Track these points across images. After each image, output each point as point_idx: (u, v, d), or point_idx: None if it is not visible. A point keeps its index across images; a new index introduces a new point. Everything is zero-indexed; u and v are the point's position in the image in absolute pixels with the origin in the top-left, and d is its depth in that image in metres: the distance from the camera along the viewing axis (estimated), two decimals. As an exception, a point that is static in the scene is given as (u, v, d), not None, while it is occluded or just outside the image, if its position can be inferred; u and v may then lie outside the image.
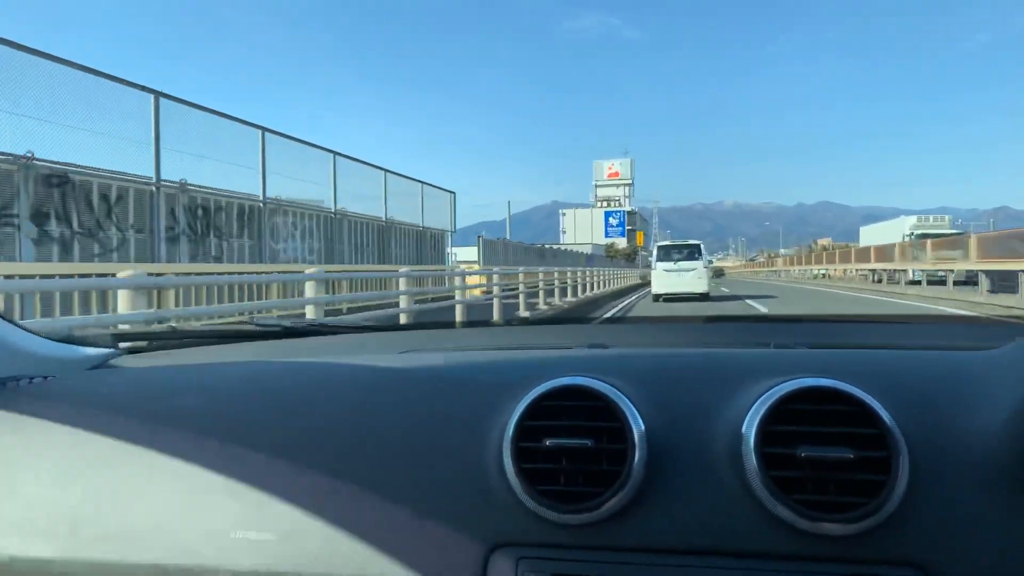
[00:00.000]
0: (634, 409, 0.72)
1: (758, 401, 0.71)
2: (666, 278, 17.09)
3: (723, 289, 27.09)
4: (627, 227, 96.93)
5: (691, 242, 18.09)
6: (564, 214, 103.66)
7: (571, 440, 0.70)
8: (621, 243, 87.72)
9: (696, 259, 17.15)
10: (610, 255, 66.14)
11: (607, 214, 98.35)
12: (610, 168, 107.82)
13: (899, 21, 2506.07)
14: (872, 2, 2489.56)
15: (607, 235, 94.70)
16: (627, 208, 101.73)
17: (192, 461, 0.78)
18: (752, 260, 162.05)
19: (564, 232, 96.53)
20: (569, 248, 41.15)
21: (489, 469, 0.72)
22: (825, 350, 0.95)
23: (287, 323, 1.40)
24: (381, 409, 0.82)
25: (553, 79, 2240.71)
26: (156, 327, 2.18)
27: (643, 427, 0.71)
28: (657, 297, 17.34)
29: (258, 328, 1.42)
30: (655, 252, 18.08)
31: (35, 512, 0.78)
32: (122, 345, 1.23)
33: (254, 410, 0.84)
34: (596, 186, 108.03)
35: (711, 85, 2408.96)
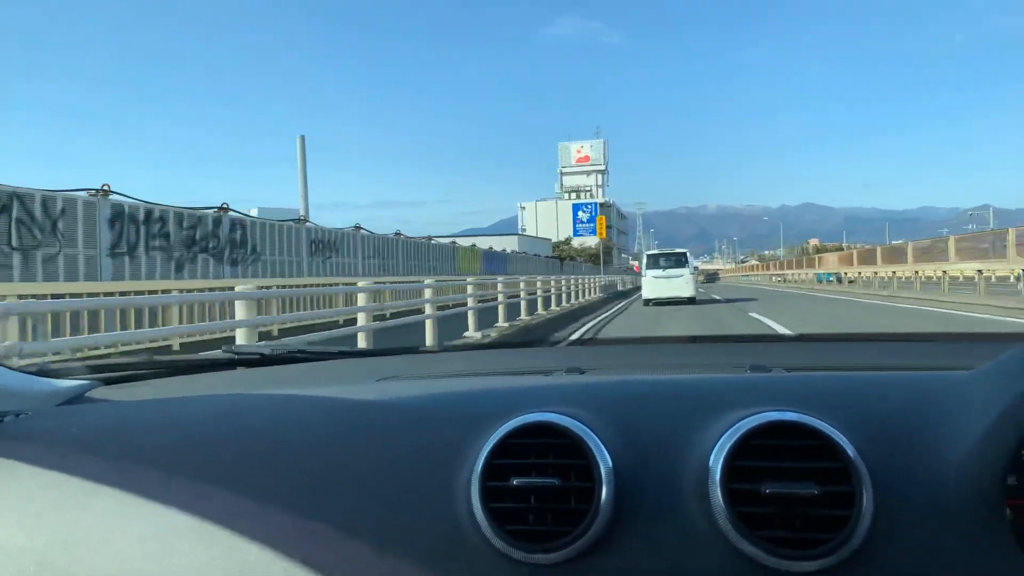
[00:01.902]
0: (601, 445, 0.72)
1: (725, 435, 0.71)
2: (655, 284, 18.61)
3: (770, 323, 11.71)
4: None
5: (678, 251, 19.78)
6: (523, 208, 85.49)
7: (538, 479, 0.71)
8: (591, 242, 69.99)
9: (683, 266, 18.72)
10: (564, 255, 48.77)
11: (576, 207, 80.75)
12: (579, 151, 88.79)
13: (879, 24, 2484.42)
14: (853, 6, 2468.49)
15: (576, 232, 77.33)
16: (599, 199, 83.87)
17: (162, 502, 0.76)
18: (743, 263, 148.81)
19: (523, 230, 78.86)
20: (453, 241, 22.99)
21: (459, 508, 0.72)
22: (801, 373, 0.96)
23: (266, 350, 1.42)
24: (354, 444, 0.81)
25: (536, 85, 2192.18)
26: (132, 357, 1.88)
27: (610, 464, 0.71)
28: (647, 302, 18.70)
29: (237, 356, 1.43)
30: (644, 260, 20.07)
31: (1, 558, 0.76)
32: (97, 376, 1.21)
33: (227, 447, 0.83)
34: (562, 173, 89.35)
35: (693, 89, 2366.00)
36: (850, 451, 0.67)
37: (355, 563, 0.69)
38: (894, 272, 21.73)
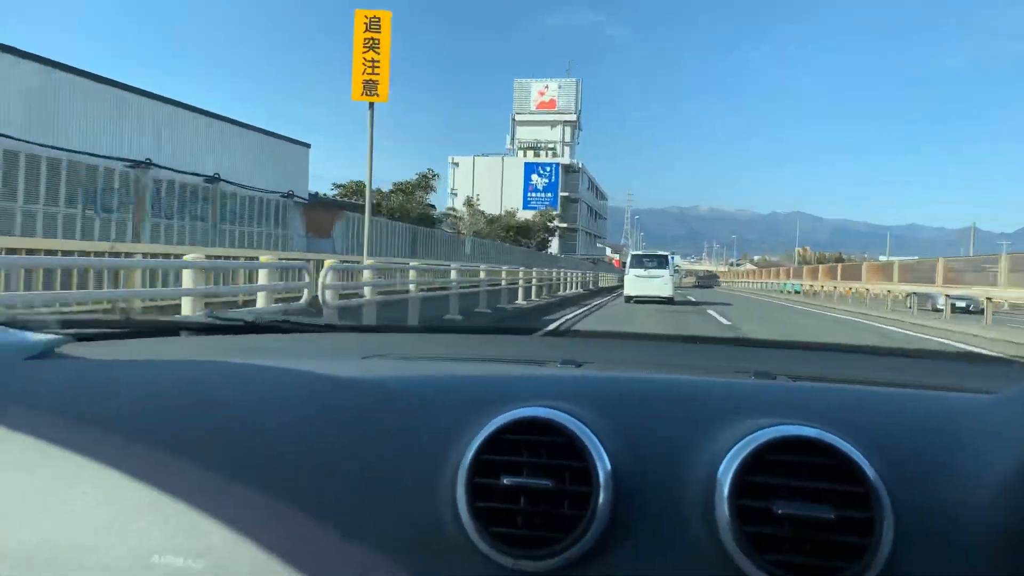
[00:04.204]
0: (600, 447, 0.67)
1: (736, 446, 0.66)
2: (637, 283, 19.76)
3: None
4: (560, 193, 57.50)
5: (660, 252, 21.33)
6: (456, 164, 61.95)
7: (531, 480, 0.66)
8: (530, 216, 47.65)
9: (664, 268, 19.98)
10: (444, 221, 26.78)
11: (528, 168, 58.28)
12: (541, 93, 63.77)
13: (878, 43, 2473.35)
14: (853, 20, 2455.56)
15: (527, 203, 55.25)
16: (562, 160, 60.03)
17: (120, 472, 0.70)
18: (737, 265, 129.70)
19: (455, 194, 56.59)
20: None
21: (441, 504, 0.67)
22: (809, 383, 0.90)
23: (249, 318, 1.39)
24: (333, 424, 0.75)
25: (532, 73, 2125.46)
26: (108, 314, 2.07)
27: (609, 467, 0.66)
28: (629, 299, 19.74)
29: (218, 321, 1.38)
30: (629, 260, 21.00)
31: None
32: (69, 332, 1.15)
33: (196, 418, 0.77)
34: (515, 121, 64.52)
35: (692, 89, 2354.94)
36: (870, 474, 0.62)
37: (323, 551, 0.64)
38: None
